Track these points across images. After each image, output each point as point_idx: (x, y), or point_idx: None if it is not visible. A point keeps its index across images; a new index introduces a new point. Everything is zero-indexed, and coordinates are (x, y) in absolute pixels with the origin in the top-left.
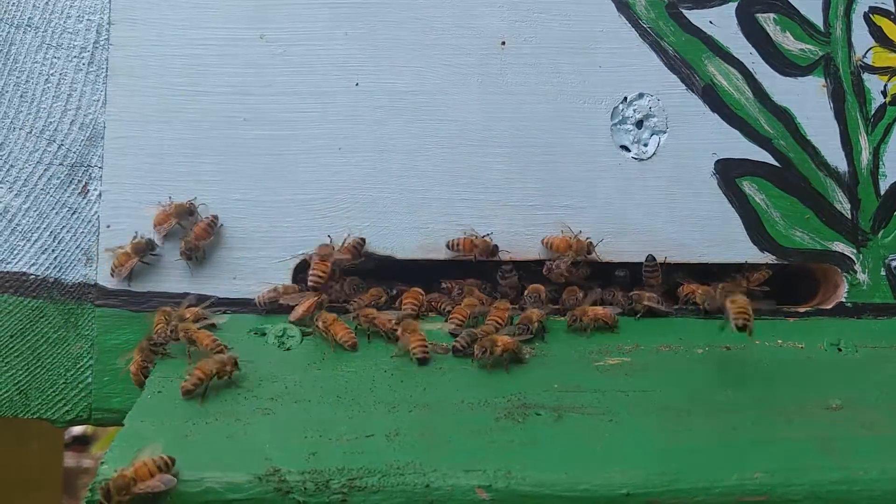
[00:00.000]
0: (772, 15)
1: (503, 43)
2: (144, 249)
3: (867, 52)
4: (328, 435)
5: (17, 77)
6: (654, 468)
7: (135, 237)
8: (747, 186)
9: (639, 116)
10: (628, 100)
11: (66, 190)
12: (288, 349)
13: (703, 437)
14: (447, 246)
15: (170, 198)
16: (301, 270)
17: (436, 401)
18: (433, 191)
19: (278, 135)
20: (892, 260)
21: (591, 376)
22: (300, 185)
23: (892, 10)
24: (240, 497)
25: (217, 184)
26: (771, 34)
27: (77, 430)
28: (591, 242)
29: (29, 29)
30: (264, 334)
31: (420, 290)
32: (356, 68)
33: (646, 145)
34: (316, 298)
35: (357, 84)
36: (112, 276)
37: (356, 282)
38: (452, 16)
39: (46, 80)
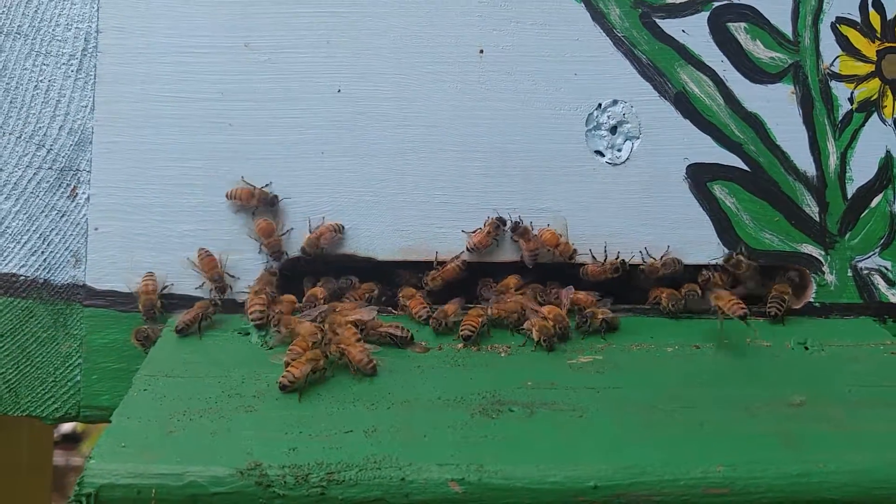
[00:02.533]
0: (743, 24)
1: (481, 51)
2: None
3: (834, 60)
4: (308, 431)
5: (7, 83)
6: (621, 462)
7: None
8: (718, 190)
9: (613, 122)
10: (603, 106)
11: (55, 193)
12: (271, 348)
13: (669, 432)
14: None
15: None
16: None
17: (413, 398)
18: (413, 194)
19: (263, 140)
20: (858, 261)
21: (563, 373)
22: (284, 188)
23: (858, 20)
24: (222, 490)
25: (203, 188)
26: (742, 43)
27: (66, 428)
28: (575, 250)
29: (18, 36)
30: (248, 334)
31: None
32: (339, 75)
33: (619, 151)
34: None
35: (339, 90)
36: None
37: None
38: (432, 25)
39: (36, 86)
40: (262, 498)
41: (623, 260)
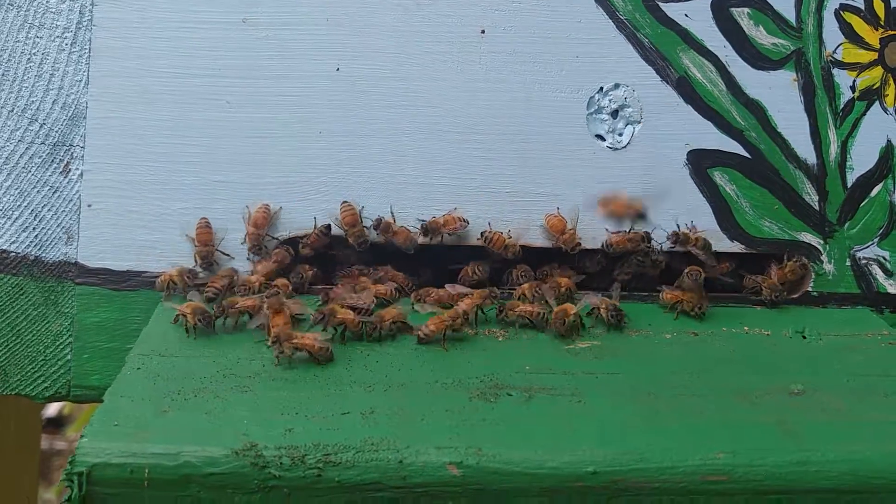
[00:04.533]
0: (746, 9)
1: (482, 31)
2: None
3: (837, 47)
4: (305, 412)
5: None
6: (619, 448)
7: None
8: (718, 177)
9: (614, 106)
10: (604, 90)
11: (47, 169)
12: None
13: (668, 418)
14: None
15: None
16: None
17: (410, 381)
18: (412, 175)
19: (260, 118)
20: (856, 251)
21: (561, 359)
22: (281, 167)
23: (862, 7)
24: (217, 471)
25: (198, 165)
26: (745, 28)
27: (51, 411)
28: (579, 243)
29: (11, 8)
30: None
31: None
32: (338, 53)
33: (620, 135)
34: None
35: (338, 69)
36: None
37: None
38: (433, 3)
39: (29, 59)
40: (257, 479)
41: (647, 233)
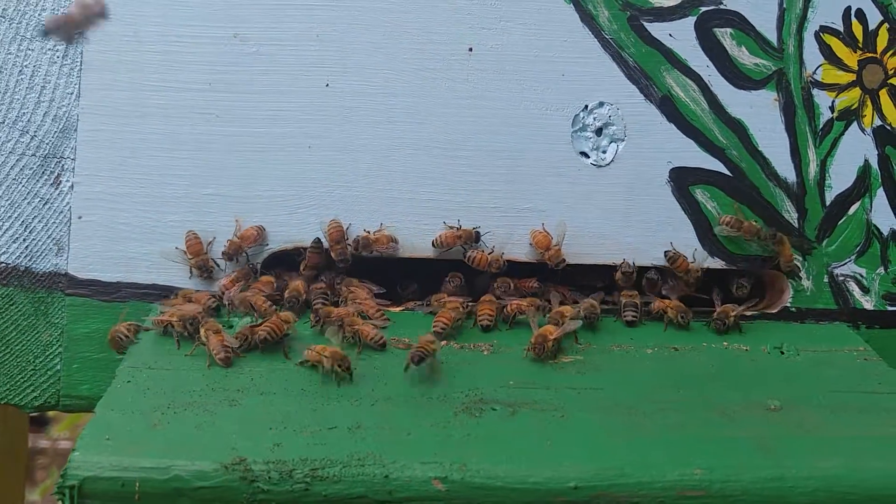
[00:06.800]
0: (728, 30)
1: (470, 49)
2: None
3: (817, 68)
4: (292, 426)
5: None
6: (600, 463)
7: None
8: (700, 194)
9: (598, 124)
10: (589, 108)
11: (38, 180)
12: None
13: (648, 434)
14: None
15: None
16: (269, 265)
17: (396, 394)
18: (400, 190)
19: (250, 132)
20: (834, 268)
21: (544, 373)
22: (270, 181)
23: (841, 29)
24: (206, 485)
25: (189, 178)
26: (727, 48)
27: None
28: (563, 259)
29: (3, 20)
30: (231, 327)
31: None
32: (327, 69)
33: (604, 152)
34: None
35: (328, 85)
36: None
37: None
38: (422, 21)
39: (20, 71)
40: (245, 493)
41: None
